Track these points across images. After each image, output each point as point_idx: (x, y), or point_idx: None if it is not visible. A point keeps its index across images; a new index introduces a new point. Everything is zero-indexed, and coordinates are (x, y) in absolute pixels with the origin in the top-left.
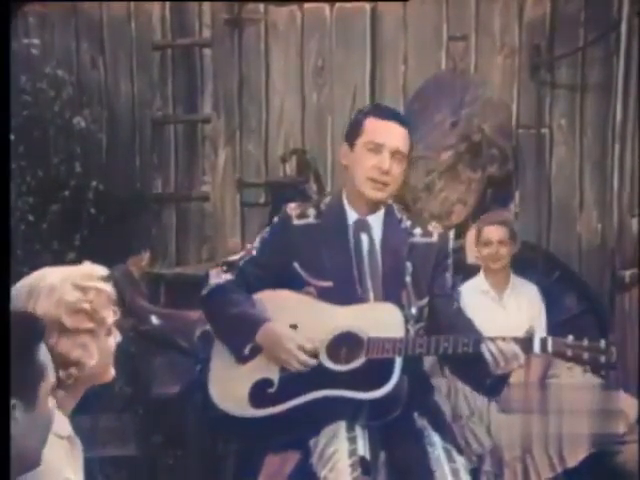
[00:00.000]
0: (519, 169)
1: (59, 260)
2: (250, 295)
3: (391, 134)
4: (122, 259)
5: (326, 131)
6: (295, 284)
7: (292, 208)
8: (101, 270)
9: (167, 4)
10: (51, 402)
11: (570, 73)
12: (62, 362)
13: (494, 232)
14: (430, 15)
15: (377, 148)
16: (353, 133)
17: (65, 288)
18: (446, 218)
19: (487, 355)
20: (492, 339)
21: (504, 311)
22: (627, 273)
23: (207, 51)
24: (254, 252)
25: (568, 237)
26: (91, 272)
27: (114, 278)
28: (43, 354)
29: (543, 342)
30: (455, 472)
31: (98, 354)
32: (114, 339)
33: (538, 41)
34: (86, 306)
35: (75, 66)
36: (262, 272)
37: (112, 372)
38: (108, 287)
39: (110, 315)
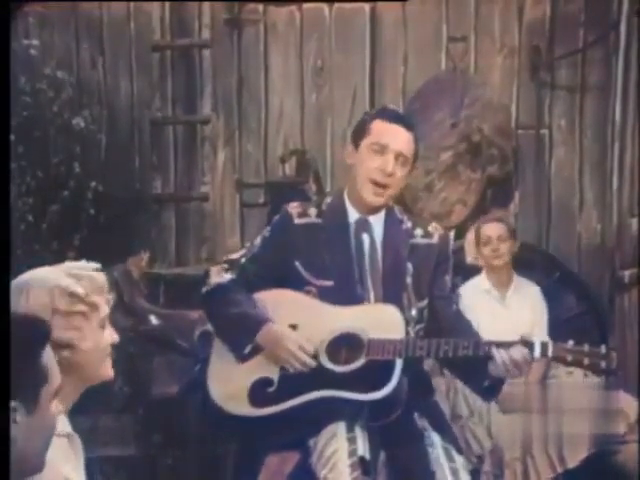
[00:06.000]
0: (519, 169)
1: (59, 260)
2: (251, 295)
3: (396, 137)
4: (122, 259)
5: (325, 131)
6: (296, 283)
7: (293, 207)
8: (95, 265)
9: (167, 4)
10: (55, 406)
11: (570, 74)
12: (55, 345)
13: (492, 229)
14: (430, 15)
15: (381, 149)
16: (359, 134)
17: (59, 275)
18: (446, 218)
19: (499, 363)
20: (501, 344)
21: (507, 311)
22: (627, 273)
23: (206, 52)
24: (255, 251)
25: (568, 237)
26: (84, 265)
27: (113, 278)
28: (47, 357)
29: (544, 347)
30: (455, 472)
31: (91, 340)
32: (110, 335)
33: (538, 42)
34: (79, 290)
35: (75, 66)
36: (263, 271)
37: (111, 371)
38: (101, 276)
39: (103, 304)
